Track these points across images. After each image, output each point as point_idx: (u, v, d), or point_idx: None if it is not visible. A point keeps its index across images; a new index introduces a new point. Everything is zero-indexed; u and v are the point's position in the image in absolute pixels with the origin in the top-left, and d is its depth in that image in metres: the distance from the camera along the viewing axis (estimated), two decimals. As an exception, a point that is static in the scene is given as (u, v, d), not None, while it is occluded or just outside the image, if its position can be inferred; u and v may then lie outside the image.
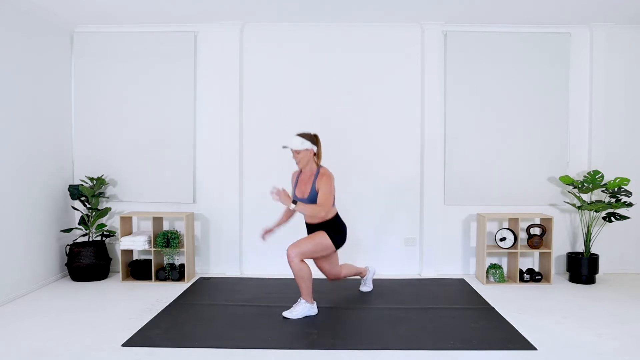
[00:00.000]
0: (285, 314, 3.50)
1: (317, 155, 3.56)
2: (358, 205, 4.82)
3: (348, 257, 4.83)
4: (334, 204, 3.56)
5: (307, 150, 3.47)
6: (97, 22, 4.71)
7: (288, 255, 3.39)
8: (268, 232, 3.71)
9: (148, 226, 4.81)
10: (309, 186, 3.49)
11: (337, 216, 3.61)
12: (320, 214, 3.37)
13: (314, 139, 3.53)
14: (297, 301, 3.61)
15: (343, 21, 4.70)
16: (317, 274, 4.69)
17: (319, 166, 3.56)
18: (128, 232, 4.69)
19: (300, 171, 3.61)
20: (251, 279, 4.60)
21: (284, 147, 3.51)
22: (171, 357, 2.83)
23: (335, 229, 3.55)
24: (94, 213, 4.63)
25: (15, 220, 4.02)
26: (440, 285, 4.42)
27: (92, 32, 4.81)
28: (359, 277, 4.24)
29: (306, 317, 3.51)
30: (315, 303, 3.59)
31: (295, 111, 4.80)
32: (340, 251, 4.80)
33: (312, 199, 3.45)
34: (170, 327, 3.31)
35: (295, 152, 3.48)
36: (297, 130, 3.77)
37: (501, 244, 4.54)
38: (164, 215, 4.64)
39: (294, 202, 3.34)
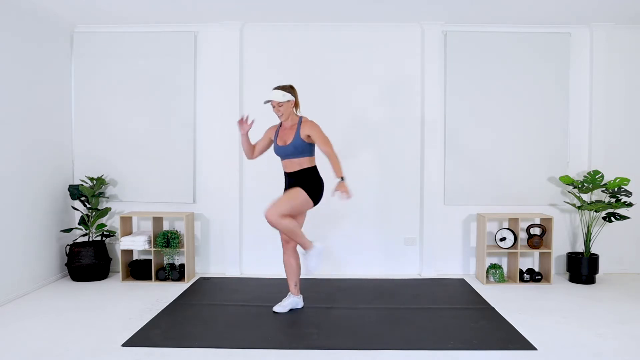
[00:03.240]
0: (308, 262, 3.50)
1: (296, 104, 3.58)
2: (358, 205, 4.81)
3: (347, 257, 4.83)
4: (313, 154, 3.55)
5: (288, 102, 3.48)
6: (97, 22, 4.71)
7: (267, 218, 3.34)
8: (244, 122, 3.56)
9: (148, 226, 4.81)
10: (292, 134, 3.48)
11: (315, 167, 3.56)
12: (337, 157, 3.37)
13: (291, 90, 3.54)
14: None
15: (343, 21, 4.70)
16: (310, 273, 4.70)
17: (299, 116, 3.58)
18: (128, 232, 4.69)
19: (280, 125, 3.62)
20: (251, 279, 4.60)
21: (266, 101, 3.50)
22: (171, 357, 2.83)
23: (313, 181, 3.48)
24: (94, 213, 4.63)
25: (15, 220, 4.02)
26: (440, 285, 4.42)
27: (92, 32, 4.81)
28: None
29: (307, 317, 3.51)
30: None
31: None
32: (338, 247, 4.83)
33: (296, 146, 3.45)
34: (170, 327, 3.31)
35: (278, 105, 3.47)
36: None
37: (501, 244, 4.54)
38: (164, 215, 4.64)
39: (342, 178, 3.30)
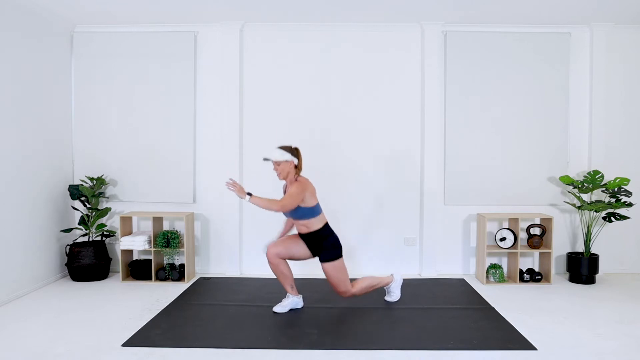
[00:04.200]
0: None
1: (298, 167, 3.57)
2: (357, 205, 4.82)
3: (347, 257, 4.83)
4: (320, 213, 3.53)
5: (287, 162, 3.50)
6: (97, 22, 4.71)
7: (348, 296, 3.64)
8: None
9: (148, 226, 4.81)
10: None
11: (326, 227, 3.58)
12: (273, 207, 3.31)
13: (294, 151, 3.55)
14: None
15: (343, 21, 4.70)
16: (310, 273, 4.70)
17: (298, 177, 3.56)
18: (128, 232, 4.69)
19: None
20: (251, 279, 4.60)
21: (265, 159, 3.55)
22: (171, 357, 2.83)
23: (329, 243, 3.53)
24: (94, 213, 4.63)
25: (15, 220, 4.02)
26: (440, 285, 4.42)
27: (92, 32, 4.81)
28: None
29: (307, 317, 3.51)
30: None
31: (295, 111, 4.80)
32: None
33: (292, 211, 3.47)
34: (170, 327, 3.31)
35: (276, 164, 3.51)
36: (282, 143, 3.86)
37: (501, 244, 4.54)
38: (164, 215, 4.64)
39: (249, 194, 3.33)
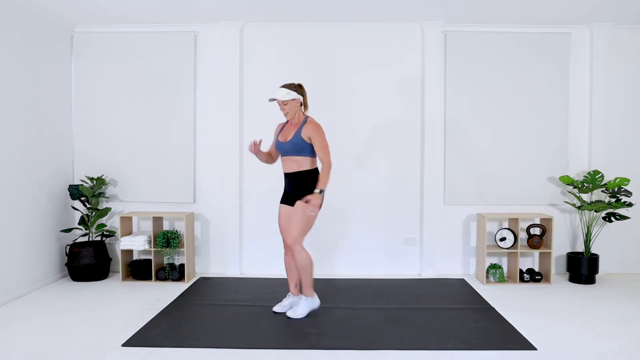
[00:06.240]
0: (289, 314, 3.51)
1: (304, 104, 3.51)
2: (358, 205, 4.82)
3: (347, 256, 4.83)
4: (315, 156, 3.47)
5: (293, 100, 3.42)
6: (97, 22, 4.71)
7: (290, 247, 3.41)
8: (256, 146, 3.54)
9: (148, 226, 4.81)
10: (293, 132, 3.44)
11: (316, 171, 3.49)
12: (330, 169, 3.32)
13: (298, 88, 3.48)
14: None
15: (343, 21, 4.70)
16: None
17: (305, 116, 3.52)
18: (128, 232, 4.69)
19: (287, 122, 3.58)
20: (251, 279, 4.60)
21: (271, 99, 3.46)
22: (171, 357, 2.83)
23: (313, 186, 3.38)
24: (94, 213, 4.63)
25: (15, 220, 4.02)
26: (440, 285, 4.42)
27: (92, 32, 4.81)
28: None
29: (307, 317, 3.50)
30: (315, 295, 3.59)
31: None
32: (338, 247, 4.83)
33: (295, 143, 3.40)
34: (170, 327, 3.31)
35: (283, 104, 3.42)
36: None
37: (501, 244, 4.54)
38: (164, 215, 4.64)
39: (321, 191, 3.29)
